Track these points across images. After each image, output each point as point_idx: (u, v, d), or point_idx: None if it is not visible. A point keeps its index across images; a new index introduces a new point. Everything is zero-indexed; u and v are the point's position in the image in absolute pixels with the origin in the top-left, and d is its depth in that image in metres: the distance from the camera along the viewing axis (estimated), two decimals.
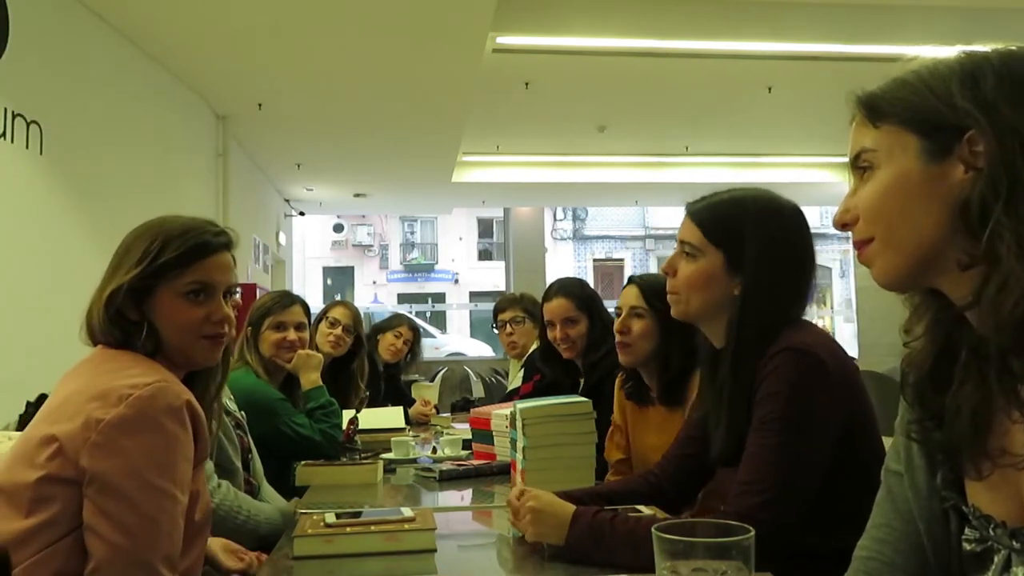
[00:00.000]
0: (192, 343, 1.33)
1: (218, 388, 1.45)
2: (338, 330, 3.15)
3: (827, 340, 1.37)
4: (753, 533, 0.77)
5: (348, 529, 1.45)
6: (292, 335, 2.59)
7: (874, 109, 0.81)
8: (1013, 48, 0.77)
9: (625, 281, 2.15)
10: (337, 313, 3.19)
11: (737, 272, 1.39)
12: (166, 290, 1.32)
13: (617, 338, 2.02)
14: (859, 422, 1.35)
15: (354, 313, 3.25)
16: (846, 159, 0.85)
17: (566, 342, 2.55)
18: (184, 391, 1.24)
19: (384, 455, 2.53)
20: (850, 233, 0.83)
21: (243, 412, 2.21)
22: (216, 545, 1.67)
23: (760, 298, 1.37)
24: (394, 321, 4.23)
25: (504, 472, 2.19)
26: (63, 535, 1.14)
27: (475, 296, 21.00)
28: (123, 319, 1.30)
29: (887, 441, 0.96)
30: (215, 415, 1.45)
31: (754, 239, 1.38)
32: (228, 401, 2.10)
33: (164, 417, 1.18)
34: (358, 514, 1.59)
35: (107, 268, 1.36)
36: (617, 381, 2.16)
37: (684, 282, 1.44)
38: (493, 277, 19.66)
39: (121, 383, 1.19)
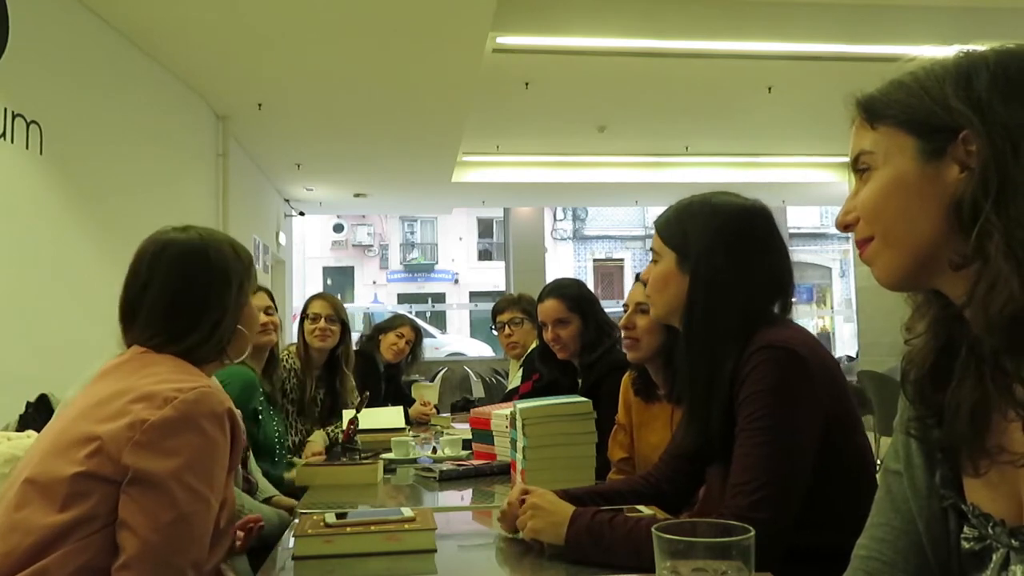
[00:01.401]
0: (255, 335, 1.54)
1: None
2: (320, 323, 3.16)
3: (806, 336, 1.39)
4: (753, 533, 0.77)
5: (348, 529, 1.45)
6: (263, 318, 2.68)
7: (872, 111, 0.82)
8: (1011, 46, 0.77)
9: (626, 280, 2.16)
10: (315, 307, 3.21)
11: (685, 268, 1.44)
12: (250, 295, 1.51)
13: (624, 334, 2.03)
14: (842, 417, 1.36)
15: (331, 302, 3.26)
16: (846, 159, 0.85)
17: (557, 343, 2.56)
18: (226, 398, 1.28)
19: (384, 455, 2.53)
20: (851, 234, 0.84)
21: (239, 410, 2.22)
22: None
23: (702, 287, 1.41)
24: (396, 321, 4.23)
25: (504, 472, 2.19)
26: (95, 531, 1.16)
27: (475, 296, 21.00)
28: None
29: (887, 442, 0.97)
30: None
31: (697, 234, 1.44)
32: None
33: (206, 421, 1.22)
34: (346, 514, 1.58)
35: (187, 287, 1.39)
36: (624, 379, 2.17)
37: (650, 285, 1.52)
38: (493, 277, 19.66)
39: (167, 386, 1.23)
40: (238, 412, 1.31)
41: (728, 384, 1.36)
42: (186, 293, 1.39)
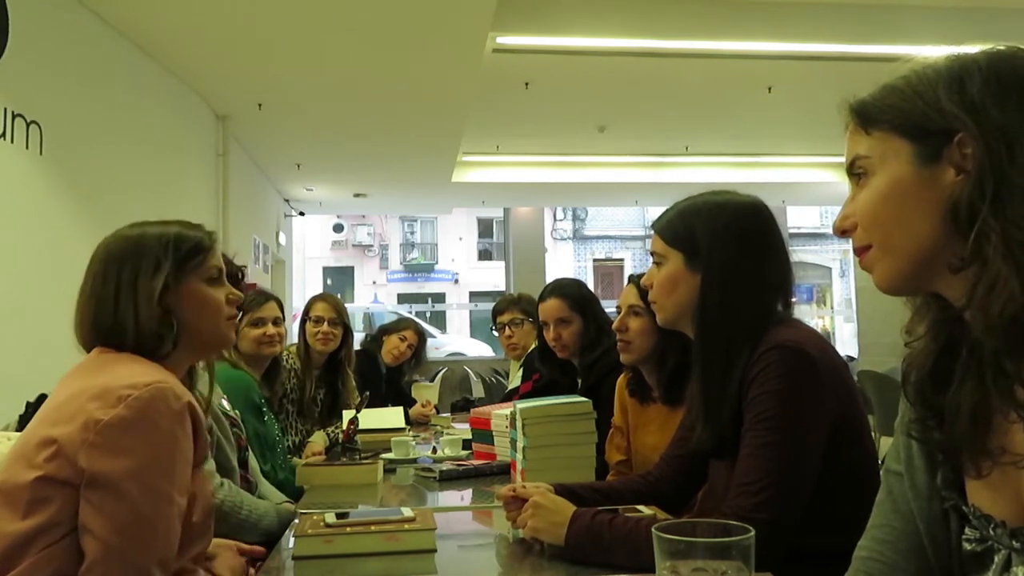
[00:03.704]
0: (222, 324, 1.40)
1: (205, 383, 1.50)
2: (323, 326, 3.17)
3: (816, 337, 1.38)
4: (753, 533, 0.77)
5: (348, 529, 1.45)
6: (271, 329, 2.71)
7: (865, 116, 0.82)
8: (1001, 48, 0.77)
9: (627, 280, 2.16)
10: (318, 310, 3.21)
11: (696, 266, 1.43)
12: (193, 279, 1.38)
13: (617, 336, 2.03)
14: (850, 419, 1.35)
15: (334, 304, 3.25)
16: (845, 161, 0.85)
17: (558, 343, 2.56)
18: (184, 392, 1.24)
19: (384, 455, 2.53)
20: (850, 238, 0.84)
21: (237, 411, 2.22)
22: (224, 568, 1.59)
23: (716, 284, 1.40)
24: (401, 324, 4.23)
25: (504, 472, 2.19)
26: (61, 537, 1.13)
27: (475, 296, 21.01)
28: (159, 320, 1.32)
29: (887, 441, 0.97)
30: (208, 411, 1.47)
31: (705, 230, 1.43)
32: (223, 402, 2.12)
33: (163, 418, 1.18)
34: (346, 514, 1.58)
35: (104, 281, 1.35)
36: (620, 381, 2.17)
37: (656, 289, 1.49)
38: (493, 277, 19.66)
39: (120, 383, 1.19)
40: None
41: (738, 383, 1.35)
42: (103, 281, 1.35)
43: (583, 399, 1.95)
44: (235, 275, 1.99)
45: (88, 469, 1.14)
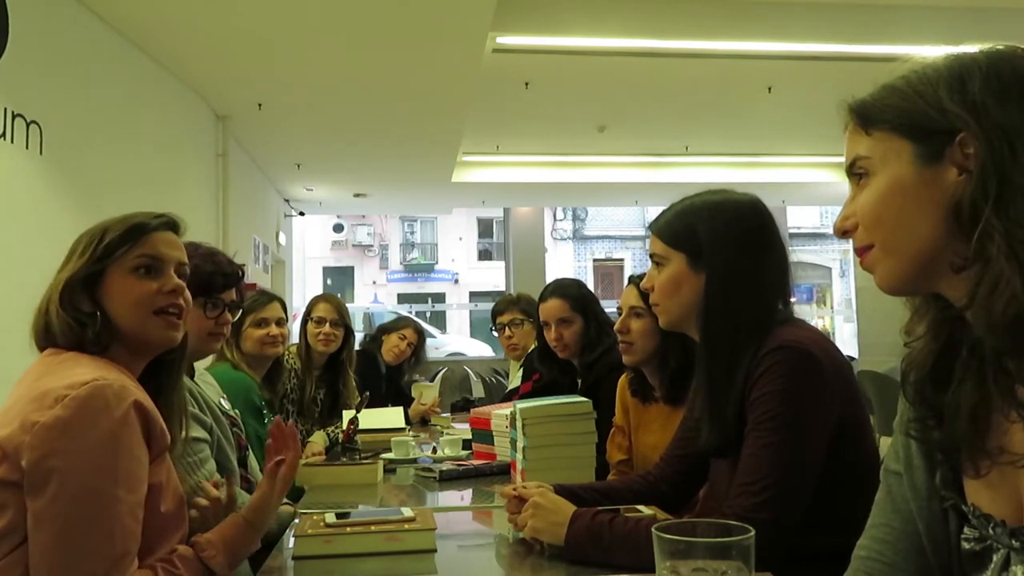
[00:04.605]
0: (146, 320, 1.31)
1: (177, 375, 1.42)
2: (325, 327, 3.17)
3: (820, 337, 1.38)
4: (753, 533, 0.77)
5: (348, 529, 1.45)
6: (274, 330, 2.70)
7: (865, 116, 0.82)
8: (1000, 47, 0.77)
9: (625, 281, 2.16)
10: (320, 311, 3.21)
11: (699, 266, 1.42)
12: (115, 270, 1.32)
13: (619, 337, 2.03)
14: (853, 419, 1.35)
15: (336, 305, 3.26)
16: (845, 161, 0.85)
17: (560, 343, 2.56)
18: (127, 388, 1.19)
19: (384, 455, 2.54)
20: (851, 239, 0.84)
21: (237, 410, 2.22)
22: None
23: (721, 281, 1.39)
24: (400, 323, 4.24)
25: (504, 472, 2.20)
26: (18, 544, 1.11)
27: (475, 296, 21.01)
28: (78, 311, 1.29)
29: (887, 441, 0.97)
30: (181, 404, 1.41)
31: (707, 229, 1.42)
32: (223, 401, 2.12)
33: (101, 416, 1.14)
34: (346, 514, 1.58)
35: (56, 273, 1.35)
36: (621, 381, 2.17)
37: (659, 291, 1.48)
38: (493, 277, 19.68)
39: (59, 384, 1.16)
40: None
41: (742, 383, 1.35)
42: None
43: (583, 399, 1.95)
44: (235, 274, 1.99)
45: (26, 471, 1.10)
